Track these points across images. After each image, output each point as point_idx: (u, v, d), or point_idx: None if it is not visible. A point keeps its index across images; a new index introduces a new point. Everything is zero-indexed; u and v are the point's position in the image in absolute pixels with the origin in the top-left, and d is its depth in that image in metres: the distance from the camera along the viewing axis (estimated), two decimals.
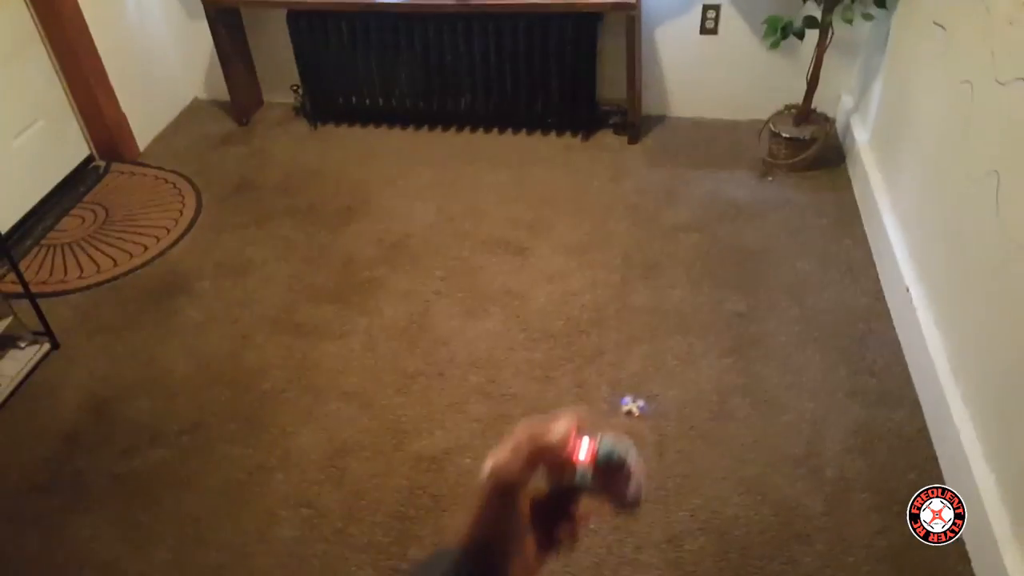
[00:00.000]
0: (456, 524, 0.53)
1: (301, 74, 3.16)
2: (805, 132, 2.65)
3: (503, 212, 2.67)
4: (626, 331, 2.13)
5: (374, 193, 2.83)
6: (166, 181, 2.99)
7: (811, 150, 2.65)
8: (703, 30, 2.89)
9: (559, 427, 0.51)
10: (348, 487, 1.79)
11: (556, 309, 2.23)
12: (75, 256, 2.65)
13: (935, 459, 1.71)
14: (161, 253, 2.63)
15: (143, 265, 2.58)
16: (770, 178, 2.71)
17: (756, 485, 1.70)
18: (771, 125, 2.72)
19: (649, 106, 3.10)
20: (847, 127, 2.78)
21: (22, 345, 2.28)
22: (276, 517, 1.75)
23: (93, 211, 2.86)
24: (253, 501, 1.79)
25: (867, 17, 2.45)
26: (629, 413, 1.84)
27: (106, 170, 3.07)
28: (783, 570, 1.53)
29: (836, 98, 2.89)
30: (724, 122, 3.05)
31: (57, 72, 2.85)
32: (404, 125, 3.21)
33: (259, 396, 2.06)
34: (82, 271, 2.58)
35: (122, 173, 3.05)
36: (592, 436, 0.52)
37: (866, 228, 2.43)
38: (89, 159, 3.06)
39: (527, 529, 0.52)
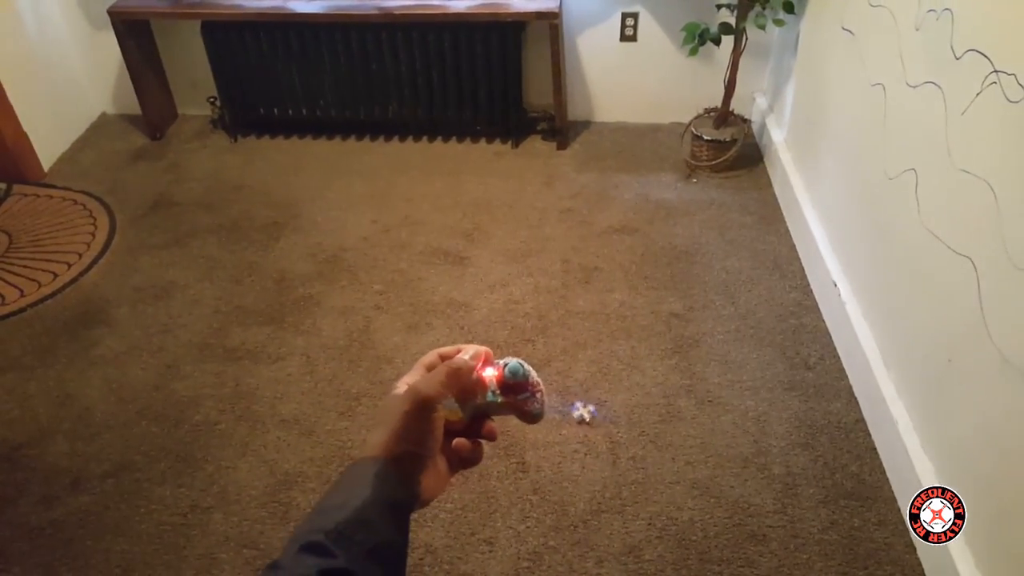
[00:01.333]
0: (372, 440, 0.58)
1: (219, 85, 3.03)
2: (725, 134, 2.74)
3: (439, 221, 2.64)
4: (571, 337, 2.14)
5: (303, 206, 2.74)
6: (75, 202, 2.81)
7: (731, 151, 2.74)
8: (623, 37, 2.94)
9: (470, 351, 0.61)
10: (294, 522, 1.72)
11: (500, 318, 2.22)
12: None
13: (875, 450, 1.79)
14: (73, 280, 2.46)
15: (54, 294, 2.41)
16: (694, 179, 2.79)
17: (709, 487, 1.73)
18: (692, 128, 2.79)
19: (575, 112, 3.13)
20: (763, 127, 2.88)
21: None
22: (216, 561, 1.65)
23: None
24: (190, 545, 1.69)
25: (778, 23, 2.55)
26: (581, 420, 1.87)
27: (7, 193, 2.85)
28: (741, 573, 1.57)
29: (751, 99, 2.99)
30: (647, 126, 3.11)
31: None
32: (330, 136, 3.13)
33: (190, 430, 1.95)
34: None
35: (25, 195, 2.85)
36: (496, 363, 0.61)
37: (789, 225, 2.53)
38: None
39: (440, 445, 0.59)
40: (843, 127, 2.16)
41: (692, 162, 2.82)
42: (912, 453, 1.61)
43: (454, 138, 3.10)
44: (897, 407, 1.71)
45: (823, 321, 2.15)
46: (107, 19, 2.85)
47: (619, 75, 3.04)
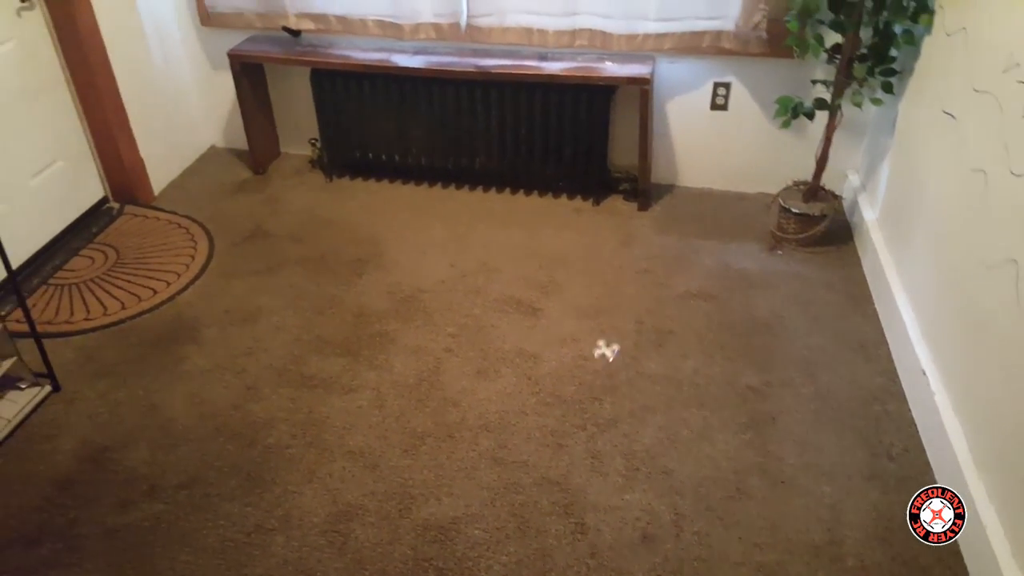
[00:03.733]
0: None
1: (320, 128, 3.21)
2: (814, 209, 2.70)
3: (515, 271, 2.68)
4: (640, 400, 2.11)
5: (387, 246, 2.84)
6: (179, 226, 2.99)
7: (820, 226, 2.69)
8: (714, 105, 2.97)
9: None
10: (351, 554, 1.74)
11: (569, 373, 2.22)
12: (82, 297, 2.62)
13: (958, 554, 1.68)
14: (170, 298, 2.61)
15: (151, 309, 2.56)
16: (779, 251, 2.74)
17: (776, 572, 1.66)
18: (780, 200, 2.77)
19: (659, 175, 3.15)
20: (854, 205, 2.83)
21: (22, 386, 2.24)
22: None
23: (104, 252, 2.85)
24: (251, 564, 1.72)
25: (876, 102, 2.52)
26: (603, 356, 1.78)
27: (119, 212, 3.07)
28: None
29: (842, 176, 2.95)
30: (732, 194, 3.10)
31: (79, 114, 2.88)
32: (418, 181, 3.25)
33: (262, 451, 2.01)
34: (88, 312, 2.55)
35: (135, 216, 3.06)
36: None
37: (877, 306, 2.45)
38: (103, 200, 3.07)
39: None
40: (939, 211, 2.10)
41: (778, 234, 2.78)
42: (1002, 562, 1.50)
43: (536, 192, 3.16)
44: (987, 511, 1.60)
45: (909, 411, 2.05)
46: (226, 60, 3.08)
47: (707, 142, 3.05)
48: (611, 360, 1.77)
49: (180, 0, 3.15)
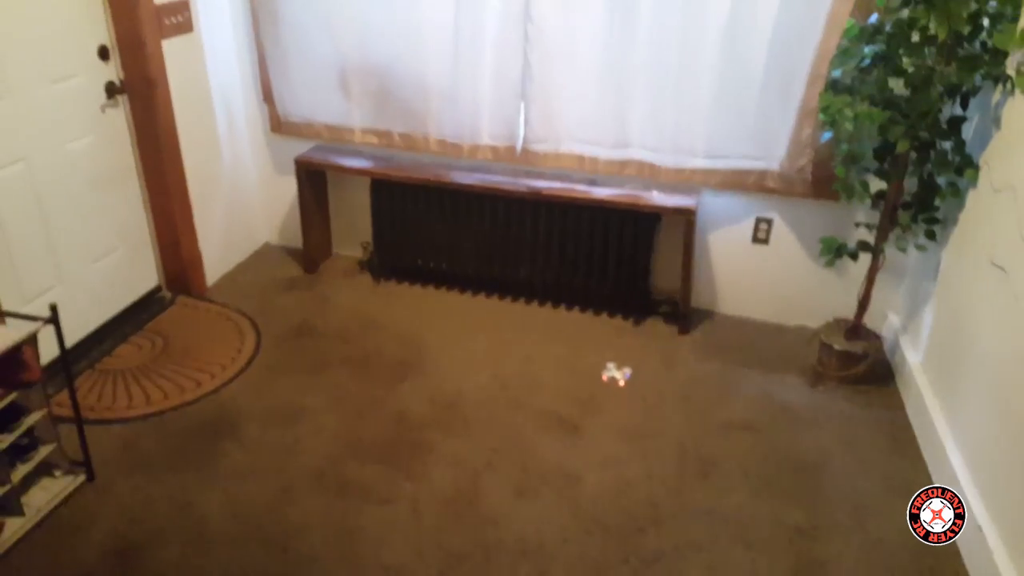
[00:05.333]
0: None
1: (374, 233, 3.33)
2: (856, 347, 2.71)
3: (556, 385, 2.69)
4: (685, 534, 2.06)
5: (431, 351, 2.88)
6: (228, 319, 3.06)
7: (862, 366, 2.70)
8: (755, 239, 3.05)
9: None
10: None
11: (611, 499, 2.18)
12: (126, 385, 2.65)
13: None
14: (214, 391, 2.63)
15: (194, 401, 2.58)
16: (820, 387, 2.74)
17: None
18: (822, 336, 2.79)
19: (699, 300, 3.21)
20: (896, 345, 2.84)
21: (57, 474, 2.23)
22: None
23: (152, 340, 2.91)
24: None
25: (920, 248, 2.59)
26: (612, 380, 1.68)
27: (172, 301, 3.15)
28: None
29: (882, 315, 2.98)
30: (771, 325, 3.14)
31: (146, 205, 3.02)
32: (463, 289, 3.32)
33: (294, 559, 1.97)
34: (131, 401, 2.58)
35: (187, 306, 3.14)
36: None
37: (924, 453, 2.41)
38: (157, 289, 3.16)
39: None
40: (994, 364, 2.10)
41: (819, 369, 2.79)
42: None
43: (579, 307, 3.22)
44: None
45: (963, 565, 1.98)
46: (290, 164, 3.25)
47: (747, 273, 3.12)
48: (622, 384, 1.72)
49: (255, 107, 3.36)
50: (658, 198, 2.94)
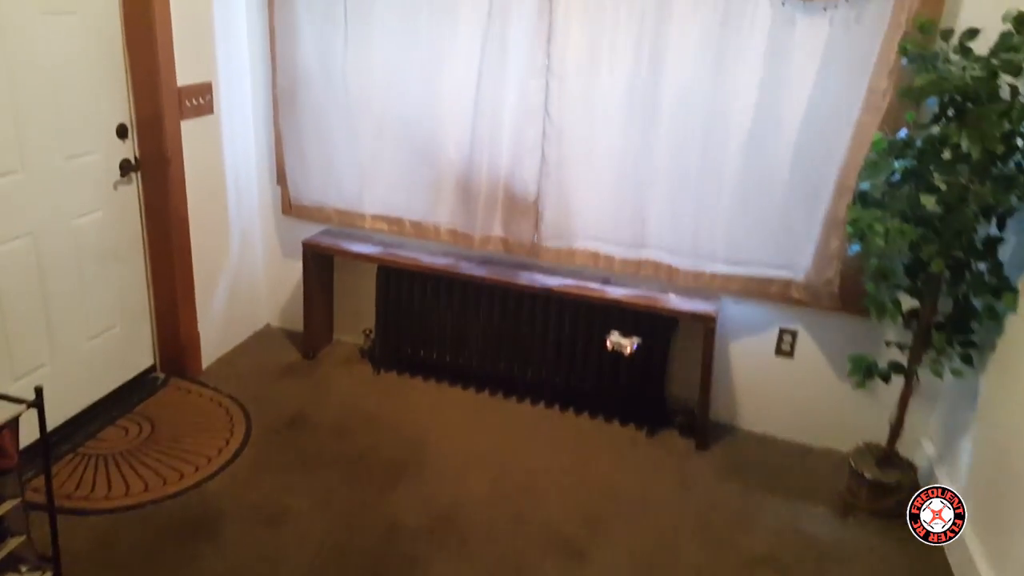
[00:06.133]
0: None
1: (378, 320, 3.22)
2: (889, 477, 2.52)
3: (561, 500, 2.50)
4: None
5: (428, 452, 2.71)
6: (220, 405, 2.92)
7: (895, 498, 2.49)
8: (779, 351, 2.91)
9: None
10: None
11: None
12: (107, 472, 2.50)
13: None
14: (196, 484, 2.47)
15: (175, 495, 2.41)
16: (850, 519, 2.53)
17: None
18: (852, 463, 2.60)
19: (718, 413, 3.03)
20: (930, 476, 2.64)
21: (23, 569, 2.04)
22: None
23: (139, 424, 2.76)
24: None
25: (956, 373, 2.43)
26: (618, 345, 1.38)
27: (164, 383, 3.03)
28: None
29: (915, 442, 2.79)
30: (796, 445, 2.94)
31: (148, 283, 2.94)
32: (467, 385, 3.17)
33: None
34: (110, 490, 2.41)
35: (179, 389, 3.00)
36: None
37: None
38: (151, 369, 3.04)
39: None
40: None
41: (849, 499, 2.58)
42: None
43: (588, 412, 3.05)
44: None
45: None
46: (297, 247, 3.19)
47: (770, 387, 2.96)
48: (628, 352, 1.52)
49: (267, 189, 3.33)
50: (676, 302, 2.82)
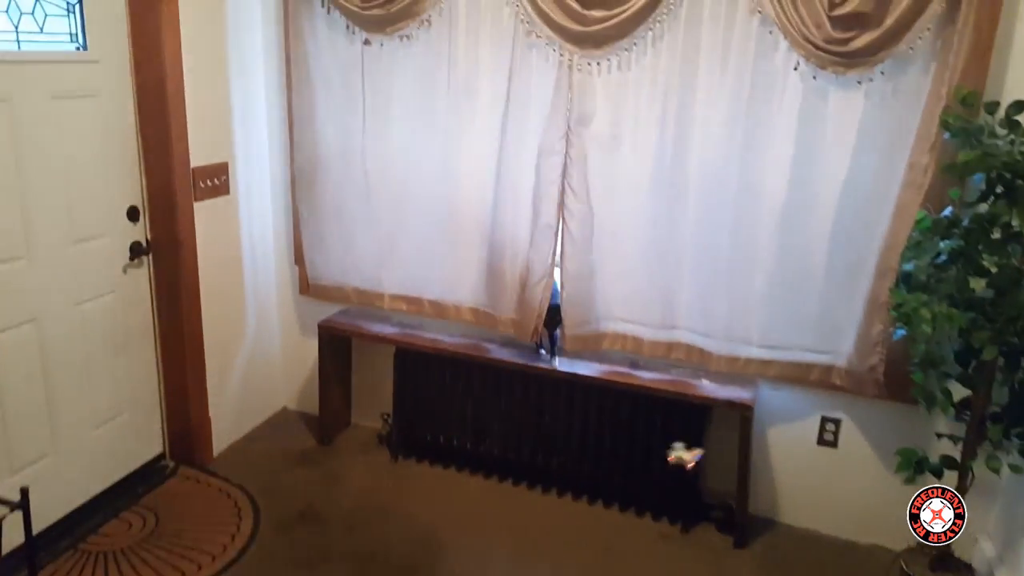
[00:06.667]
0: None
1: (396, 405, 3.09)
2: None
3: None
4: None
5: (443, 552, 2.53)
6: (229, 496, 2.79)
7: None
8: (821, 441, 2.71)
9: None
10: None
11: None
12: (106, 571, 2.36)
13: None
14: None
15: None
16: None
17: None
18: (903, 564, 2.37)
19: (757, 506, 2.81)
20: None
21: None
22: None
23: (143, 517, 2.64)
24: None
25: (1015, 469, 2.21)
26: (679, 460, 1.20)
27: (173, 472, 2.91)
28: None
29: (972, 539, 2.54)
30: (841, 541, 2.71)
31: (159, 369, 2.86)
32: (488, 474, 3.00)
33: None
34: None
35: (188, 478, 2.88)
36: None
37: None
38: (159, 457, 2.93)
39: None
40: None
41: None
42: None
43: (617, 505, 2.85)
44: None
45: None
46: (315, 328, 3.10)
47: (813, 479, 2.75)
48: (690, 467, 1.38)
49: (285, 269, 3.27)
50: (709, 388, 2.66)
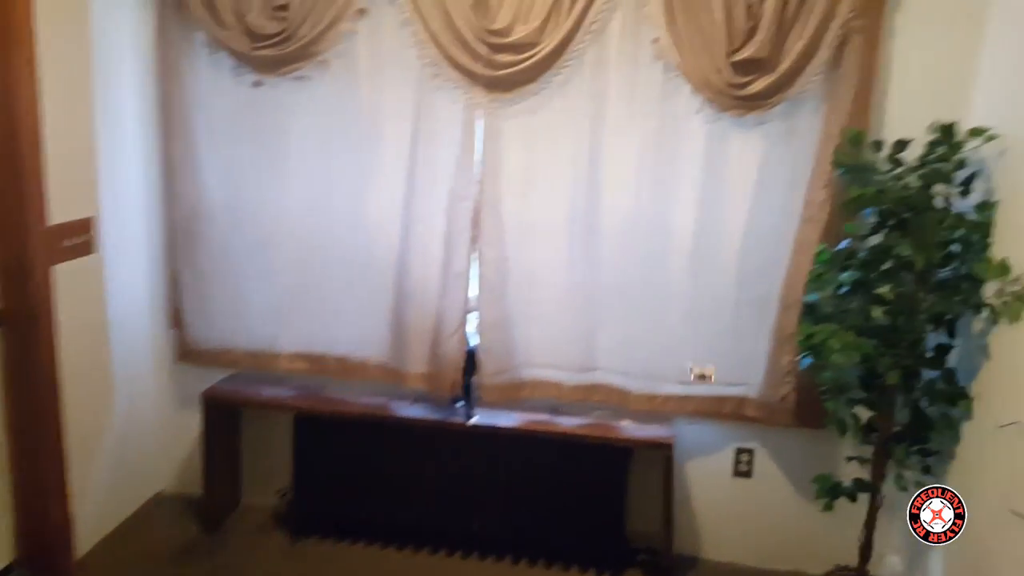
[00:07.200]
0: None
1: (295, 478, 2.81)
2: None
3: None
4: None
5: None
6: None
7: None
8: (736, 472, 2.76)
9: None
10: None
11: None
12: None
13: None
14: None
15: None
16: None
17: None
18: None
19: (681, 545, 2.79)
20: None
21: None
22: None
23: None
24: None
25: (920, 486, 2.33)
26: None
27: None
28: None
29: (879, 555, 2.66)
30: (765, 572, 2.74)
31: (8, 461, 2.40)
32: (403, 545, 2.77)
33: None
34: None
35: None
36: None
37: None
38: (7, 569, 2.45)
39: None
40: None
41: None
42: None
43: (543, 561, 2.72)
44: None
45: None
46: (196, 398, 2.77)
47: (731, 511, 2.78)
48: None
49: (160, 334, 2.91)
50: (630, 429, 2.63)
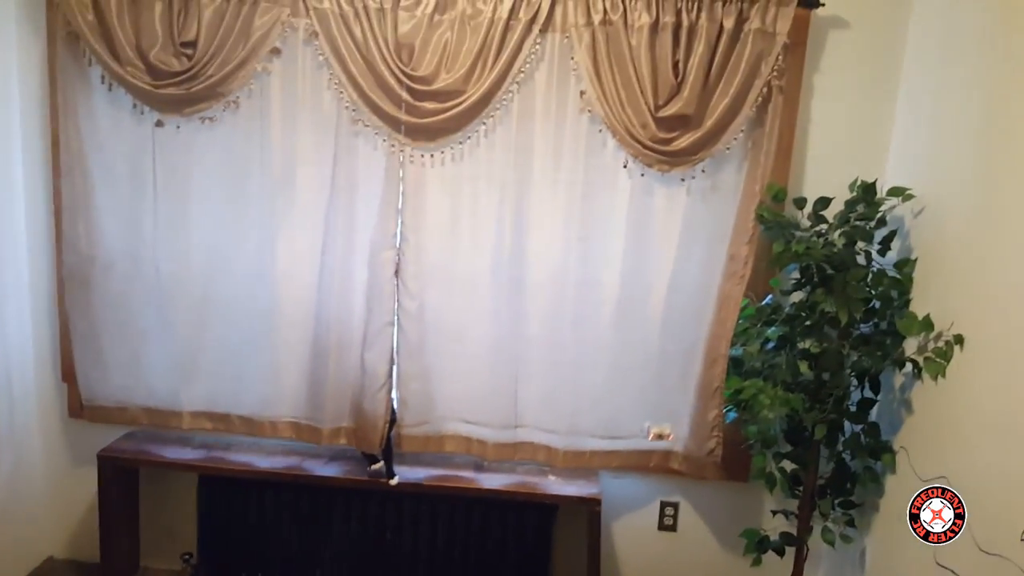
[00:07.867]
0: None
1: (200, 542, 2.62)
2: None
3: None
4: None
5: None
6: None
7: None
8: (661, 525, 2.72)
9: None
10: None
11: None
12: None
13: None
14: None
15: None
16: None
17: None
18: None
19: None
20: None
21: None
22: None
23: None
24: None
25: (846, 540, 2.34)
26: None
27: None
28: None
29: None
30: None
31: None
32: None
33: None
34: None
35: None
36: None
37: None
38: None
39: None
40: None
41: None
42: None
43: None
44: None
45: None
46: (90, 458, 2.57)
47: (658, 565, 2.74)
48: (670, 438, 1.30)
49: (50, 389, 2.68)
50: (556, 485, 2.56)
